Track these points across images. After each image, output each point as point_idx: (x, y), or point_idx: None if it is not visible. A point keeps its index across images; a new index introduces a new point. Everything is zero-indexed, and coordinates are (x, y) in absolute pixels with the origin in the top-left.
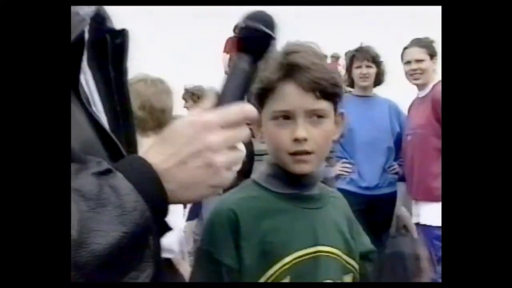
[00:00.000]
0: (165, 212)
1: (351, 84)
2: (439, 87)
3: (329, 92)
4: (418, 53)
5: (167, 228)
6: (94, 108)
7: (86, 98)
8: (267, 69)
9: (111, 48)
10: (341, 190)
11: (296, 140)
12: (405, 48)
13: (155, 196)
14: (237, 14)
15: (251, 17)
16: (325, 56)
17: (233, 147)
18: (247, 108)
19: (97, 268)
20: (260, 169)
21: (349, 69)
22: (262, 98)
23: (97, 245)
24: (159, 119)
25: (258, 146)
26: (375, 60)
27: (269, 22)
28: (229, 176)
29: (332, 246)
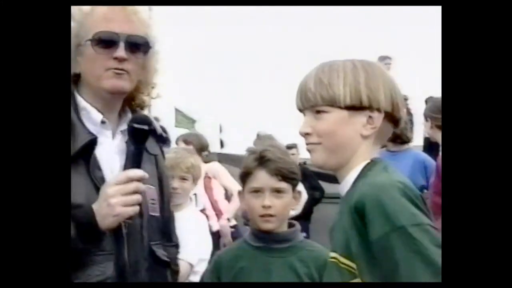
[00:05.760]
0: (94, 226)
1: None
2: None
3: (288, 177)
4: None
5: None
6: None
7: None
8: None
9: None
10: None
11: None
12: None
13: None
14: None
15: (133, 120)
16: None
17: (127, 194)
18: (129, 173)
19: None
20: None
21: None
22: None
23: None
24: None
25: (329, 190)
26: None
27: (145, 121)
28: (126, 210)
29: None
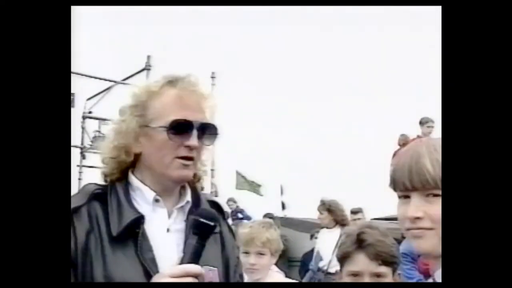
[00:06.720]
0: None
1: None
2: None
3: (388, 261)
4: None
5: None
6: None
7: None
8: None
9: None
10: None
11: None
12: None
13: None
14: None
15: (199, 214)
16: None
17: None
18: (187, 268)
19: None
20: None
21: None
22: (341, 261)
23: None
24: None
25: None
26: None
27: (213, 217)
28: None
29: None
